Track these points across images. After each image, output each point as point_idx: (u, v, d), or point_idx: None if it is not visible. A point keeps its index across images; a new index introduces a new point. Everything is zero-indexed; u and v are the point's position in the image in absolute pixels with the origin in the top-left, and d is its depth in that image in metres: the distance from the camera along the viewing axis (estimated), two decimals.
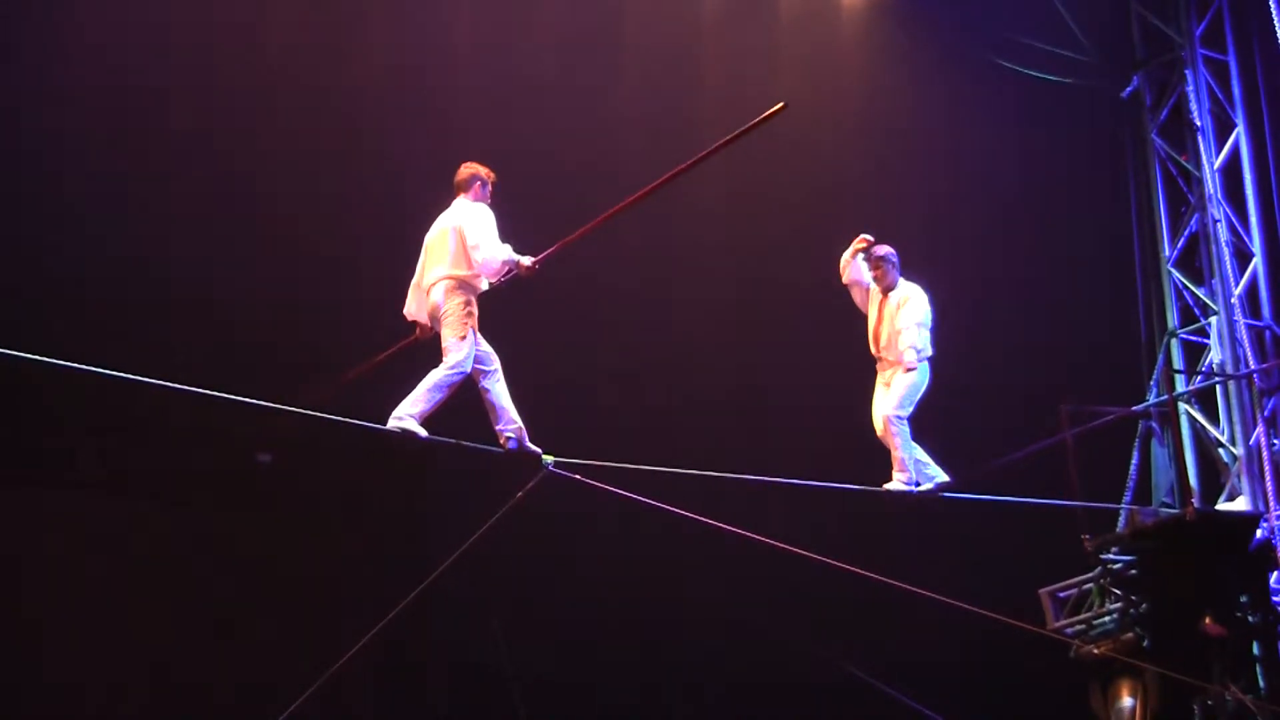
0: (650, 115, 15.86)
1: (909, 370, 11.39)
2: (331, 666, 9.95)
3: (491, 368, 10.01)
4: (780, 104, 10.20)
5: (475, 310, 9.99)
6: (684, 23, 16.30)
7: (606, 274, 15.42)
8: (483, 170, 10.40)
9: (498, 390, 9.99)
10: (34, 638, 13.90)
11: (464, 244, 10.00)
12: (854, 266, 11.81)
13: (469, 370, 9.87)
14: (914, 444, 11.41)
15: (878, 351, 11.64)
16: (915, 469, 11.35)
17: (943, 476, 11.44)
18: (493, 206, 10.35)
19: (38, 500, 14.19)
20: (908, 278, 11.81)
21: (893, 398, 11.39)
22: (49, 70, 13.80)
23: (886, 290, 11.68)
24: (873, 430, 11.53)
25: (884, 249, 11.74)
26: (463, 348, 9.85)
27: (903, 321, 11.50)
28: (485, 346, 10.04)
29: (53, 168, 13.95)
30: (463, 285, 10.01)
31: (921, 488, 11.36)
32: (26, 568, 13.99)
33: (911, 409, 11.39)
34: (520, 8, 15.78)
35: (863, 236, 11.81)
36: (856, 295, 11.86)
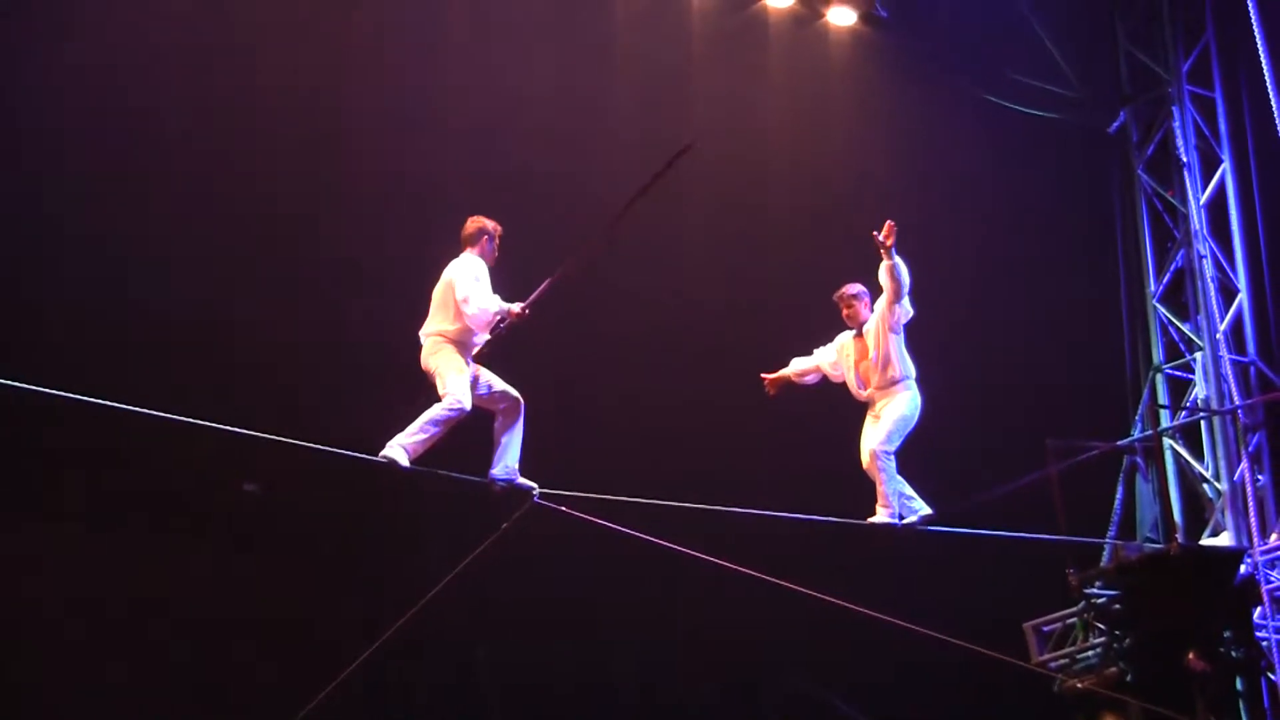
0: (641, 135, 15.89)
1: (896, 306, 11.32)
2: (318, 695, 9.96)
3: (505, 405, 10.00)
4: (686, 144, 10.11)
5: (464, 358, 9.92)
6: (674, 46, 16.33)
7: (600, 291, 15.46)
8: (489, 224, 10.25)
9: (507, 428, 9.98)
10: (24, 664, 13.87)
11: (454, 298, 9.97)
12: (804, 376, 11.81)
13: (468, 407, 9.82)
14: (899, 478, 11.41)
15: (866, 391, 11.58)
16: (899, 503, 11.34)
17: (926, 510, 11.42)
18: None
19: (24, 531, 14.16)
20: None
21: (880, 432, 11.35)
22: (46, 75, 13.85)
23: (860, 328, 11.60)
24: (859, 463, 11.53)
25: (855, 287, 11.58)
26: (459, 384, 9.80)
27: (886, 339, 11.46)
28: (502, 386, 10.00)
29: (42, 196, 13.97)
30: (450, 341, 9.97)
31: (905, 521, 11.35)
32: (16, 599, 13.95)
33: (899, 444, 11.38)
34: (515, 32, 15.82)
35: (765, 378, 11.75)
36: (833, 377, 11.84)
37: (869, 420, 11.55)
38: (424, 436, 9.70)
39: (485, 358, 10.04)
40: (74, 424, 11.72)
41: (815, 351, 11.79)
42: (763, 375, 11.79)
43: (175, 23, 14.34)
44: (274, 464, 13.12)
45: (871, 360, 11.47)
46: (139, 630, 14.28)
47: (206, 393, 12.75)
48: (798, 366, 11.81)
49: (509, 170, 15.10)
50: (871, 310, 11.53)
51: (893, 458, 11.32)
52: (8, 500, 14.09)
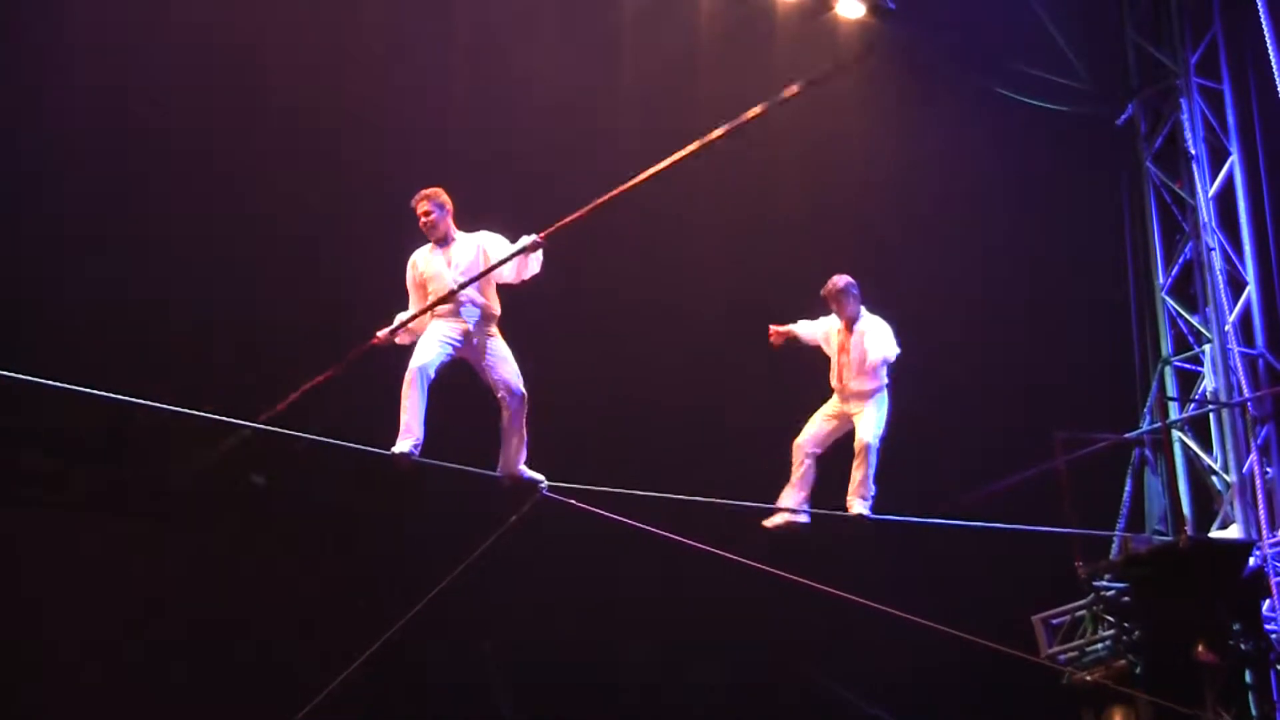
0: (645, 131, 15.86)
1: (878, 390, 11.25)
2: (324, 689, 9.95)
3: (505, 398, 9.89)
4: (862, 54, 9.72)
5: (435, 333, 9.84)
6: (681, 38, 16.31)
7: (603, 298, 15.44)
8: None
9: (512, 422, 9.90)
10: (26, 657, 13.87)
11: None
12: (797, 336, 11.65)
13: (421, 363, 9.61)
14: None
15: (841, 384, 11.42)
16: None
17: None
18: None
19: (27, 521, 14.16)
20: (882, 308, 11.63)
21: (873, 426, 11.11)
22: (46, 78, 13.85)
23: (850, 322, 11.36)
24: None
25: (842, 280, 11.32)
26: (416, 352, 9.72)
27: (872, 346, 11.31)
28: (505, 376, 9.88)
29: (41, 186, 13.96)
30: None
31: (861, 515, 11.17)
32: (17, 589, 13.94)
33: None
34: (519, 26, 15.81)
35: (773, 329, 11.62)
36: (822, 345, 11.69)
37: (823, 416, 11.32)
38: (408, 415, 9.56)
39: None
40: (76, 416, 11.72)
41: (815, 322, 11.61)
42: (771, 326, 11.60)
43: (178, 19, 14.36)
44: (280, 457, 13.10)
45: (853, 360, 11.28)
46: (138, 621, 14.27)
47: (215, 386, 12.72)
48: (804, 330, 11.61)
49: (512, 164, 15.06)
50: (861, 304, 11.34)
51: None
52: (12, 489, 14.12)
